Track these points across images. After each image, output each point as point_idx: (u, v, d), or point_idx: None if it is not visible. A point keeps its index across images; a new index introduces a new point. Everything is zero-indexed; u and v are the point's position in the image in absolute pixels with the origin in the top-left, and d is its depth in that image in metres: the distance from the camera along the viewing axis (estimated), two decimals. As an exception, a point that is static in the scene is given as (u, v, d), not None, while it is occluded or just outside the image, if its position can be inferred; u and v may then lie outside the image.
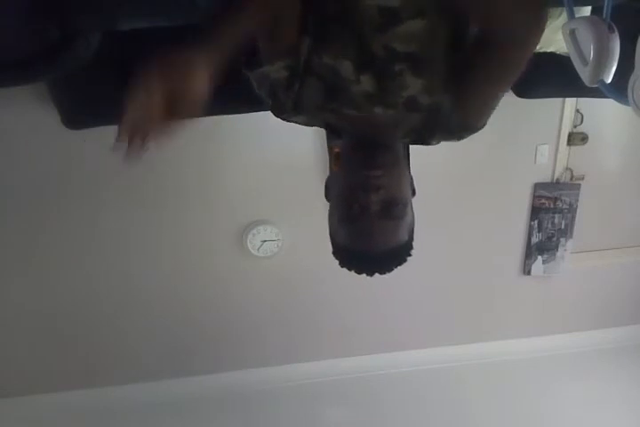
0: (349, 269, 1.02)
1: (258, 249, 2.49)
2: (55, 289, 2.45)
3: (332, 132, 1.10)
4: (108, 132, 2.30)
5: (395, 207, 0.97)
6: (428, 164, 2.50)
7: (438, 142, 1.08)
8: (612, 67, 0.91)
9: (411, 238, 1.04)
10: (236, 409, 2.64)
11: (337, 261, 1.03)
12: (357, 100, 0.97)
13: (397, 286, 2.68)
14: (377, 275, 1.03)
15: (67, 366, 2.60)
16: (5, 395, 2.55)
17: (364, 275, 1.03)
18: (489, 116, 1.00)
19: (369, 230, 0.97)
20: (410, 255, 1.04)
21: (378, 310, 2.77)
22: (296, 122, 1.08)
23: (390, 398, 2.73)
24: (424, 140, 1.06)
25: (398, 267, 1.03)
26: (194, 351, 2.68)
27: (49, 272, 2.42)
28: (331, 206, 1.03)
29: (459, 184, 2.57)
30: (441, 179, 2.48)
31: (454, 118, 0.99)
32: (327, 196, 1.08)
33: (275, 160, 2.37)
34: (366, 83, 0.95)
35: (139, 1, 1.26)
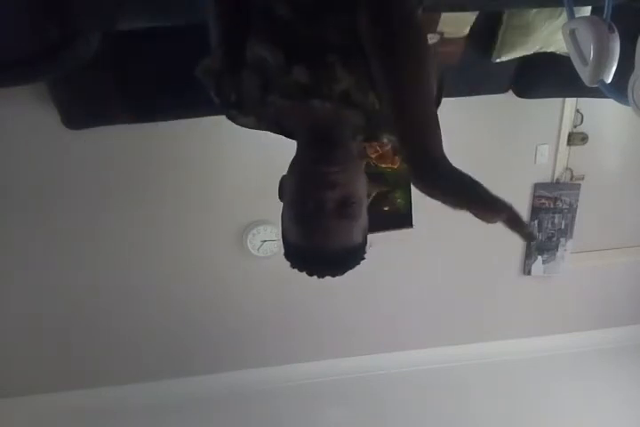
0: (300, 271, 1.00)
1: (258, 249, 2.49)
2: (55, 289, 2.45)
3: (287, 137, 1.09)
4: (108, 133, 2.31)
5: (350, 206, 0.95)
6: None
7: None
8: (612, 67, 0.91)
9: (364, 241, 1.03)
10: (236, 409, 2.64)
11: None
12: (291, 91, 0.95)
13: (397, 286, 2.69)
14: (328, 277, 1.01)
15: (67, 367, 2.60)
16: (5, 395, 2.55)
17: (315, 277, 1.01)
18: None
19: (323, 229, 0.95)
20: (363, 258, 1.02)
21: (378, 311, 2.77)
22: (246, 125, 1.07)
23: (390, 398, 2.73)
24: (376, 138, 1.05)
25: (350, 270, 1.01)
26: (194, 351, 2.68)
27: (49, 272, 2.42)
28: (284, 205, 1.02)
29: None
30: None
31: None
32: (281, 195, 1.07)
33: (275, 160, 2.37)
34: (299, 73, 0.93)
35: (139, 1, 1.26)
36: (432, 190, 0.87)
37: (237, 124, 1.07)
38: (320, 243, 0.97)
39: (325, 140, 0.97)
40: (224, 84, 1.00)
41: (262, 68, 0.96)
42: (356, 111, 0.97)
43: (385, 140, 1.05)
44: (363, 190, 0.99)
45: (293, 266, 1.01)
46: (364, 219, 1.00)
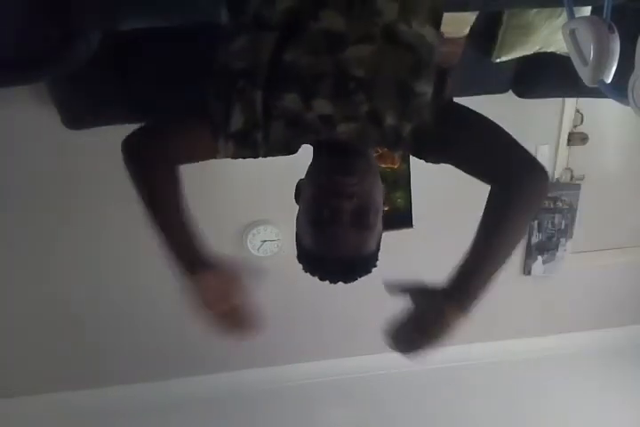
0: (312, 275, 1.02)
1: (258, 249, 2.49)
2: (56, 289, 2.45)
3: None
4: (108, 132, 2.30)
5: (366, 217, 0.96)
6: (428, 163, 2.50)
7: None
8: (612, 67, 0.91)
9: (378, 248, 1.03)
10: (237, 409, 2.64)
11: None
12: (316, 126, 0.97)
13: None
14: (340, 283, 1.02)
15: (68, 367, 2.60)
16: (6, 395, 2.55)
17: (327, 282, 1.02)
18: None
19: (337, 238, 0.96)
20: (375, 266, 1.03)
21: (379, 310, 2.75)
22: (271, 156, 1.08)
23: (391, 398, 2.73)
24: (395, 150, 1.06)
25: (362, 277, 1.03)
26: (194, 351, 2.68)
27: (50, 272, 2.42)
28: (300, 209, 1.02)
29: (458, 184, 2.56)
30: (440, 179, 2.48)
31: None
32: (297, 198, 1.07)
33: (275, 160, 2.37)
34: (320, 106, 0.94)
35: (139, 1, 1.26)
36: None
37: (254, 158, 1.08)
38: (334, 250, 0.98)
39: (345, 151, 0.98)
40: (249, 141, 1.01)
41: (286, 114, 0.97)
42: (377, 130, 0.98)
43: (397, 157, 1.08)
44: (379, 200, 1.00)
45: (306, 270, 1.03)
46: (378, 227, 1.00)
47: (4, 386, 2.55)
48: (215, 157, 1.03)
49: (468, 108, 1.00)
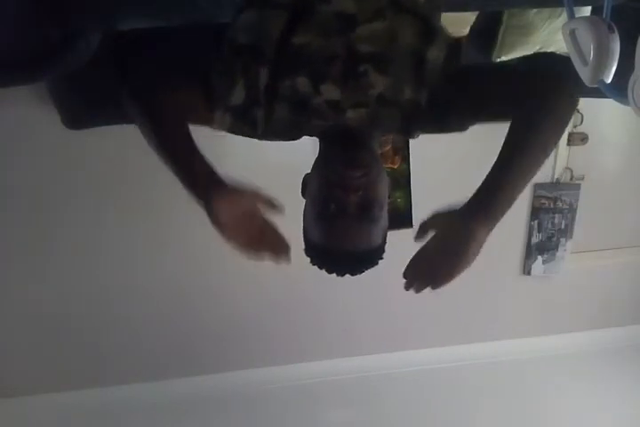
0: (320, 268, 1.02)
1: (258, 249, 2.49)
2: (57, 289, 2.45)
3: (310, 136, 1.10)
4: (108, 133, 2.30)
5: (372, 210, 0.96)
6: (428, 163, 2.50)
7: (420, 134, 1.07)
8: (612, 67, 0.91)
9: (384, 242, 1.03)
10: (238, 409, 2.64)
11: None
12: (324, 111, 0.97)
13: (398, 286, 2.68)
14: (348, 276, 1.02)
15: (68, 366, 2.60)
16: (6, 395, 2.55)
17: (334, 275, 1.02)
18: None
19: (344, 231, 0.96)
20: (382, 258, 1.03)
21: (378, 311, 2.77)
22: (271, 140, 1.08)
23: (391, 398, 2.73)
24: (410, 135, 1.05)
25: (369, 269, 1.02)
26: (195, 351, 2.68)
27: (49, 272, 2.42)
28: (307, 203, 1.03)
29: (458, 184, 2.56)
30: (440, 179, 2.48)
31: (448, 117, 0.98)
32: (304, 192, 1.07)
33: (275, 160, 2.37)
34: (328, 91, 0.95)
35: (139, 1, 1.25)
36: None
37: (259, 139, 1.08)
38: (340, 243, 0.98)
39: (352, 143, 0.98)
40: (248, 118, 1.01)
41: (292, 96, 0.97)
42: (391, 110, 0.98)
43: (416, 137, 1.06)
44: (384, 193, 1.00)
45: (313, 263, 1.03)
46: (384, 220, 1.01)
47: (4, 386, 2.55)
48: (210, 126, 1.03)
49: (476, 64, 1.01)
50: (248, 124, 1.01)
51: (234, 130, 1.03)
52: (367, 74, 0.94)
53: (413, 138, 1.04)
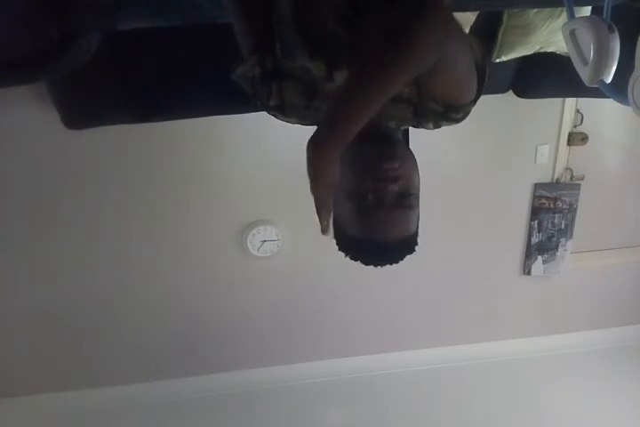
0: (356, 260, 1.03)
1: (258, 249, 2.49)
2: (55, 289, 2.45)
3: None
4: (108, 132, 2.30)
5: (409, 197, 0.98)
6: (428, 163, 2.50)
7: (437, 127, 1.07)
8: (612, 67, 0.91)
9: (417, 230, 1.06)
10: (237, 409, 2.64)
11: (342, 257, 1.03)
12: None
13: (398, 286, 2.68)
14: (387, 265, 1.04)
15: (67, 367, 2.60)
16: (5, 395, 2.55)
17: (372, 266, 1.04)
18: (467, 87, 0.95)
19: (385, 221, 0.98)
20: (417, 244, 1.05)
21: (378, 310, 2.77)
22: (288, 122, 1.09)
23: (390, 398, 2.73)
24: (421, 125, 1.07)
25: (405, 257, 1.04)
26: (194, 351, 2.68)
27: (49, 273, 2.42)
28: (340, 200, 1.04)
29: (459, 184, 2.57)
30: (441, 179, 2.48)
31: (426, 104, 0.98)
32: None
33: (275, 160, 2.37)
34: (341, 79, 0.95)
35: (139, 1, 1.25)
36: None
37: (279, 119, 1.08)
38: (380, 234, 1.00)
39: (383, 136, 1.00)
40: (261, 91, 1.02)
41: (305, 77, 0.97)
42: (402, 105, 1.00)
43: (431, 127, 1.06)
44: (418, 181, 1.03)
45: (353, 258, 1.04)
46: (418, 207, 1.03)
47: (4, 386, 2.56)
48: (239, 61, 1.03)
49: None
50: (265, 89, 1.02)
51: (252, 86, 1.03)
52: None
53: (426, 128, 1.06)
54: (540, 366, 2.90)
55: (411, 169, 1.01)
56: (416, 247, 1.05)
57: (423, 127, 1.08)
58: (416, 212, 1.02)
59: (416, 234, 1.05)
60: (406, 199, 0.98)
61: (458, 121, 1.04)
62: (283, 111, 1.05)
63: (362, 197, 0.98)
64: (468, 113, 1.03)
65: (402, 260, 1.05)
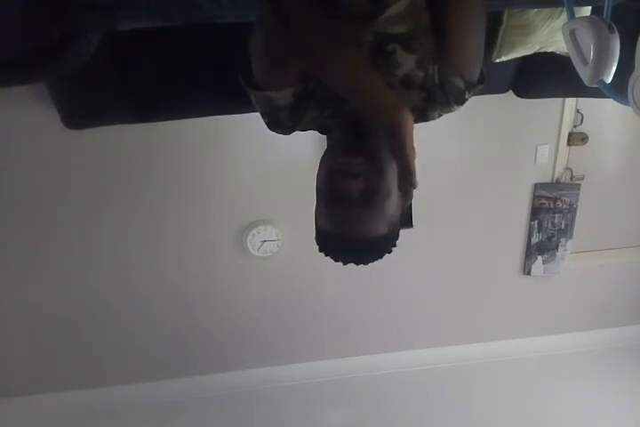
0: (326, 255, 1.03)
1: (258, 249, 2.49)
2: (56, 289, 2.45)
3: (323, 133, 1.11)
4: (108, 132, 2.30)
5: (372, 197, 0.96)
6: (429, 163, 2.50)
7: (439, 116, 1.08)
8: (612, 67, 0.91)
9: (392, 233, 1.03)
10: (237, 409, 2.64)
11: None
12: None
13: (398, 286, 2.69)
14: (352, 265, 1.03)
15: (67, 366, 2.60)
16: (5, 395, 2.55)
17: (341, 263, 1.03)
18: (479, 65, 0.99)
19: (347, 216, 0.97)
20: (390, 251, 1.03)
21: (378, 310, 2.77)
22: (283, 134, 1.09)
23: (390, 398, 2.73)
24: (425, 117, 1.07)
25: (376, 260, 1.02)
26: (194, 351, 2.69)
27: (50, 272, 2.42)
28: (316, 191, 1.05)
29: (459, 184, 2.57)
30: (441, 179, 2.48)
31: (449, 80, 0.99)
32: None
33: (275, 160, 2.37)
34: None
35: (139, 1, 1.25)
36: None
37: (277, 133, 1.10)
38: (343, 229, 1.00)
39: (365, 130, 1.00)
40: (285, 114, 1.03)
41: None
42: (415, 91, 1.01)
43: (436, 117, 1.07)
44: (389, 182, 0.99)
45: (320, 250, 1.04)
46: (389, 211, 1.00)
47: (4, 386, 2.56)
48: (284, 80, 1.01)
49: None
50: (290, 118, 1.04)
51: (273, 113, 1.03)
52: (395, 52, 0.96)
53: (432, 119, 1.06)
54: (540, 366, 2.91)
55: (381, 168, 0.98)
56: (386, 253, 1.02)
57: (425, 119, 1.07)
58: (384, 214, 0.99)
59: (386, 238, 1.02)
60: (367, 198, 0.96)
61: (461, 103, 1.04)
62: (293, 127, 1.06)
63: (328, 191, 0.98)
64: (467, 99, 1.04)
65: (367, 262, 1.02)
